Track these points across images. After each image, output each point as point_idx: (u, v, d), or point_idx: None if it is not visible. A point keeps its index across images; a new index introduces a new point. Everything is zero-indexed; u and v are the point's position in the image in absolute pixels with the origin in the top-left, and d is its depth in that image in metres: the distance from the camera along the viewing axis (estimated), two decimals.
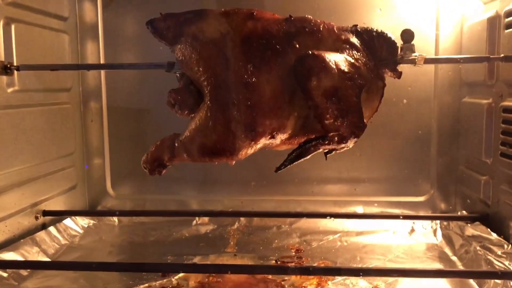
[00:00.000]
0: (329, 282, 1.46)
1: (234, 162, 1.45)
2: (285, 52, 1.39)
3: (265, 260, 1.70)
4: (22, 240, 1.65)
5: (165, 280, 1.51)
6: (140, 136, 2.24)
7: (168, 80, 1.57)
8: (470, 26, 1.86)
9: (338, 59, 1.36)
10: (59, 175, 1.99)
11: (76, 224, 1.98)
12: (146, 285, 1.49)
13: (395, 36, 1.43)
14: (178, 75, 1.53)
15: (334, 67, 1.33)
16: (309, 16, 1.45)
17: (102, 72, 2.19)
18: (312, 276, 1.47)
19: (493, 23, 1.64)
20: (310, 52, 1.35)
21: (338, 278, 1.47)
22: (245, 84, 1.37)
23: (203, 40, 1.42)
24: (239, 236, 1.94)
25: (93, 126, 2.21)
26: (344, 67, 1.35)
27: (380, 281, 1.45)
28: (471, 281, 1.42)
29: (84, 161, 2.19)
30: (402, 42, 1.45)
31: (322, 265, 1.65)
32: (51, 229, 1.83)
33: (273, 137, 1.41)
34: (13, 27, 1.66)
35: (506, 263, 1.43)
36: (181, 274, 1.53)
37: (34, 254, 1.64)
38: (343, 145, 1.38)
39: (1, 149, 1.62)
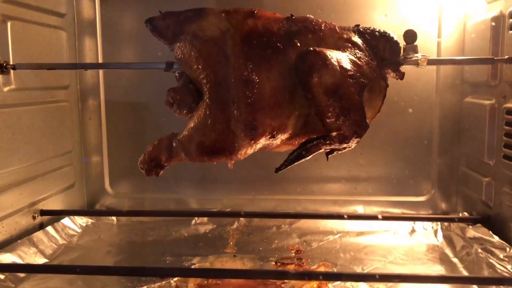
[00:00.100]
0: (330, 285, 1.45)
1: (233, 162, 1.43)
2: (286, 50, 1.37)
3: (265, 261, 1.68)
4: (19, 241, 1.63)
5: (164, 282, 1.49)
6: (139, 134, 2.22)
7: (168, 76, 1.55)
8: (473, 25, 1.84)
9: (340, 57, 1.34)
10: (56, 174, 1.97)
11: (74, 223, 1.96)
12: (145, 287, 1.47)
13: (397, 35, 1.42)
14: (177, 74, 1.51)
15: (336, 64, 1.31)
16: (310, 16, 1.42)
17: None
18: None
19: (497, 23, 1.62)
20: (311, 49, 1.33)
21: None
22: (245, 82, 1.35)
23: (203, 38, 1.40)
24: (238, 236, 1.92)
25: (91, 124, 2.19)
26: (347, 64, 1.33)
27: (380, 283, 1.44)
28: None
29: (82, 160, 2.17)
30: (404, 43, 1.43)
31: (322, 267, 1.64)
32: (49, 228, 1.81)
33: (273, 136, 1.39)
34: (9, 24, 1.63)
35: (509, 267, 1.42)
36: None
37: (31, 255, 1.62)
38: (345, 145, 1.36)
39: None
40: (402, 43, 1.43)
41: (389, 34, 1.42)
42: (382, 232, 1.92)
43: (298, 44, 1.38)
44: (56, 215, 1.89)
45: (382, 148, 2.08)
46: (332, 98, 1.30)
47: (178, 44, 1.44)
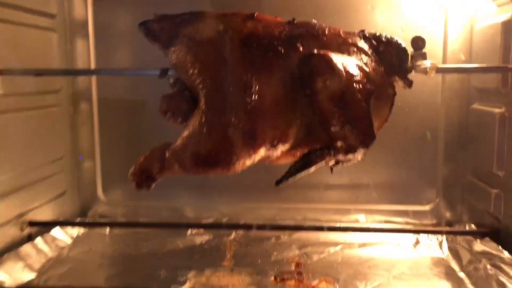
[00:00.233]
0: None
1: (230, 173, 1.35)
2: (287, 54, 1.29)
3: (264, 276, 1.60)
4: (6, 255, 1.54)
5: None
6: (134, 139, 2.13)
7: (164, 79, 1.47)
8: (481, 29, 1.76)
9: (346, 61, 1.26)
10: (47, 182, 1.89)
11: (64, 234, 1.88)
12: None
13: (404, 40, 1.35)
14: (171, 81, 1.44)
15: (342, 68, 1.23)
16: (313, 20, 1.35)
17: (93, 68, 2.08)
18: None
19: (508, 27, 1.54)
20: (315, 52, 1.25)
21: None
22: (244, 87, 1.27)
23: (199, 40, 1.32)
24: (236, 248, 1.84)
25: (83, 128, 2.11)
26: (353, 69, 1.25)
27: None
28: None
29: (74, 167, 2.09)
30: (412, 49, 1.35)
31: (324, 282, 1.56)
32: (38, 240, 1.73)
33: (274, 146, 1.31)
34: None
35: None
36: None
37: (18, 270, 1.53)
38: (350, 156, 1.28)
39: None
40: (409, 49, 1.37)
41: (396, 40, 1.34)
42: (385, 243, 1.85)
43: (301, 48, 1.30)
44: (45, 226, 1.81)
45: (385, 155, 2.01)
46: (337, 105, 1.22)
47: (173, 48, 1.36)
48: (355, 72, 1.25)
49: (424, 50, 1.33)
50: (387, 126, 1.85)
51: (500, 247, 1.55)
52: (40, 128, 1.83)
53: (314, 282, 1.57)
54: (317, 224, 1.99)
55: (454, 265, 1.66)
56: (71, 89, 2.06)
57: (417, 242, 1.85)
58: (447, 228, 1.89)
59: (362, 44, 1.33)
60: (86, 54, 2.05)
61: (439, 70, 1.32)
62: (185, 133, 1.32)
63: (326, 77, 1.22)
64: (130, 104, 2.11)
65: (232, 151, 1.27)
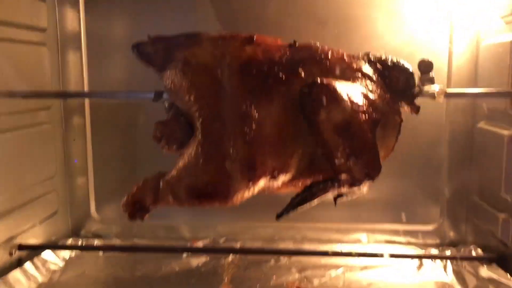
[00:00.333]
0: None
1: (228, 206, 1.29)
2: (288, 81, 1.23)
3: None
4: None
5: None
6: (128, 155, 2.06)
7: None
8: (488, 47, 1.70)
9: (350, 89, 1.20)
10: (37, 203, 1.82)
11: (56, 256, 1.81)
12: None
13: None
14: (166, 104, 1.37)
15: (346, 98, 1.17)
16: (315, 43, 1.28)
17: (86, 83, 2.00)
18: None
19: None
20: (318, 80, 1.18)
21: None
22: (243, 116, 1.20)
23: (195, 65, 1.25)
24: (234, 271, 1.78)
25: (75, 145, 2.03)
26: (358, 98, 1.19)
27: None
28: None
29: (66, 185, 2.02)
30: (419, 73, 1.29)
31: None
32: (28, 265, 1.66)
33: (274, 177, 1.25)
34: None
35: None
36: None
37: None
38: (355, 189, 1.22)
39: None
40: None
41: (403, 64, 1.28)
42: (388, 266, 1.79)
43: (303, 74, 1.24)
44: (35, 250, 1.74)
45: (388, 173, 1.91)
46: (342, 136, 1.16)
47: (168, 72, 1.29)
48: (360, 101, 1.19)
49: (432, 74, 1.27)
50: None
51: (508, 275, 1.50)
52: (30, 147, 1.76)
53: None
54: (317, 243, 1.95)
55: None
56: (63, 104, 1.98)
57: (421, 264, 1.78)
58: (453, 253, 1.82)
59: (367, 69, 1.27)
60: (79, 67, 1.98)
61: (448, 95, 1.26)
62: (181, 163, 1.26)
63: (329, 108, 1.16)
64: (125, 118, 2.03)
65: (230, 183, 1.22)
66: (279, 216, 1.26)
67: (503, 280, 1.49)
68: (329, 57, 1.26)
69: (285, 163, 1.24)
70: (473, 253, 1.74)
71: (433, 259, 1.75)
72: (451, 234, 1.93)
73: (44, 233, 1.87)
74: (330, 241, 1.98)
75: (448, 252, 1.84)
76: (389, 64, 1.28)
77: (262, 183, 1.25)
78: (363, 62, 1.28)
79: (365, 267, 1.78)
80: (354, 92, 1.19)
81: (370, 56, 1.30)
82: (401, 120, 1.27)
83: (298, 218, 1.96)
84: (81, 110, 2.01)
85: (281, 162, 1.24)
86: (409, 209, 1.95)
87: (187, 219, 2.05)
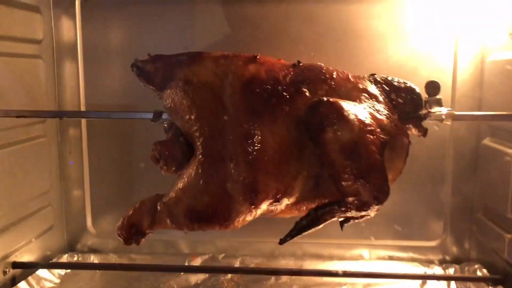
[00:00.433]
0: None
1: (228, 230, 1.25)
2: (293, 100, 1.19)
3: None
4: None
5: None
6: (125, 168, 2.01)
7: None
8: (495, 63, 1.66)
9: (357, 109, 1.16)
10: (33, 218, 1.77)
11: (51, 273, 1.77)
12: None
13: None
14: (165, 125, 1.33)
15: (354, 117, 1.13)
16: (320, 63, 1.25)
17: (82, 95, 1.95)
18: None
19: None
20: (324, 99, 1.15)
21: None
22: (245, 136, 1.17)
23: (197, 84, 1.21)
24: None
25: (71, 157, 1.98)
26: (365, 118, 1.15)
27: None
28: None
29: (61, 199, 1.97)
30: (426, 95, 1.26)
31: None
32: (22, 285, 1.62)
33: (277, 200, 1.22)
34: None
35: None
36: None
37: None
38: (363, 213, 1.18)
39: None
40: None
41: (410, 85, 1.25)
42: (391, 283, 1.76)
43: (307, 94, 1.20)
44: (30, 268, 1.70)
45: (391, 188, 1.90)
46: (349, 158, 1.12)
47: (168, 91, 1.25)
48: (368, 121, 1.15)
49: (440, 95, 1.23)
50: None
51: None
52: (25, 161, 1.72)
53: None
54: (319, 259, 1.92)
55: None
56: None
57: (424, 282, 1.76)
58: (457, 272, 1.79)
59: (373, 89, 1.24)
60: (75, 78, 1.93)
61: (456, 118, 1.22)
62: (180, 185, 1.22)
63: (336, 127, 1.12)
64: (122, 129, 1.99)
65: (231, 206, 1.18)
66: (283, 241, 1.22)
67: None
68: (334, 77, 1.23)
69: (289, 186, 1.21)
70: (479, 273, 1.70)
71: (438, 280, 1.72)
72: (454, 250, 1.90)
73: (39, 249, 1.83)
74: (331, 257, 1.95)
75: (452, 270, 1.82)
76: (396, 85, 1.25)
77: (264, 206, 1.21)
78: (369, 83, 1.25)
79: (368, 285, 1.75)
80: (361, 112, 1.15)
81: (376, 76, 1.26)
82: (409, 142, 1.23)
83: (295, 238, 1.95)
84: (77, 122, 1.97)
85: (284, 184, 1.20)
86: (412, 225, 1.92)
87: (185, 234, 2.00)
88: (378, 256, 1.94)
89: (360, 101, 1.21)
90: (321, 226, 1.20)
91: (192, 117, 1.20)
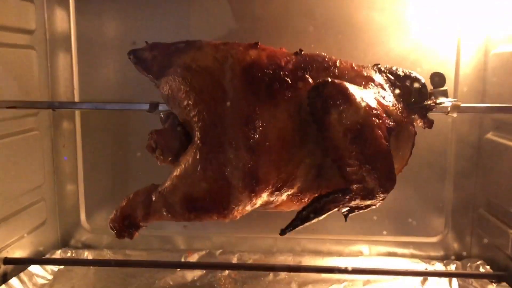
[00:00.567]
0: None
1: (227, 220, 1.20)
2: (295, 85, 1.14)
3: None
4: None
5: None
6: (120, 160, 1.96)
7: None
8: (500, 55, 1.62)
9: (363, 93, 1.11)
10: (25, 213, 1.72)
11: (44, 269, 1.73)
12: None
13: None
14: (162, 116, 1.28)
15: (360, 100, 1.08)
16: (322, 53, 1.21)
17: (76, 87, 1.91)
18: None
19: None
20: (329, 80, 1.10)
21: None
22: (246, 121, 1.12)
23: (196, 69, 1.16)
24: (231, 286, 1.71)
25: (65, 151, 1.94)
26: (371, 102, 1.10)
27: None
28: None
29: (54, 193, 1.93)
30: (431, 86, 1.22)
31: None
32: (13, 281, 1.58)
33: (278, 190, 1.17)
34: None
35: None
36: None
37: None
38: (369, 202, 1.13)
39: None
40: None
41: (415, 75, 1.21)
42: (391, 280, 1.72)
43: (310, 80, 1.16)
44: (22, 264, 1.65)
45: None
46: (354, 141, 1.07)
47: (166, 78, 1.21)
48: (374, 105, 1.10)
49: (446, 87, 1.19)
50: None
51: None
52: (17, 155, 1.67)
53: None
54: (318, 255, 1.88)
55: None
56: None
57: (425, 279, 1.72)
58: (458, 268, 1.75)
59: (378, 78, 1.20)
60: (69, 70, 1.89)
61: (462, 109, 1.18)
62: (176, 172, 1.17)
63: (342, 109, 1.07)
64: (117, 122, 1.94)
65: (230, 193, 1.12)
66: (284, 232, 1.17)
67: None
68: (338, 65, 1.19)
69: (291, 174, 1.15)
70: (481, 270, 1.67)
71: (441, 276, 1.68)
72: (455, 246, 1.87)
73: (32, 244, 1.78)
74: (330, 253, 1.91)
75: (453, 266, 1.78)
76: (400, 74, 1.21)
77: (265, 195, 1.16)
78: (373, 71, 1.21)
79: (368, 282, 1.72)
80: (367, 95, 1.11)
81: (380, 66, 1.23)
82: (415, 133, 1.19)
83: (297, 229, 1.91)
84: (71, 115, 1.92)
85: (286, 172, 1.15)
86: (413, 221, 1.88)
87: (182, 229, 1.97)
88: (378, 252, 1.91)
89: (365, 88, 1.16)
90: (324, 216, 1.15)
91: (191, 102, 1.15)
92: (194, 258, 1.88)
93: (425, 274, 1.67)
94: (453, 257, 1.85)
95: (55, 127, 1.91)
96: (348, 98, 1.08)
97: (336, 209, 1.16)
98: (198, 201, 1.13)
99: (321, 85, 1.11)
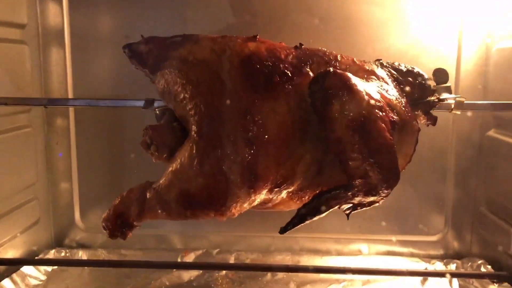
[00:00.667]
0: None
1: (224, 218, 1.16)
2: (295, 79, 1.10)
3: None
4: None
5: None
6: (114, 158, 1.93)
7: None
8: (502, 50, 1.60)
9: (366, 84, 1.08)
10: (18, 212, 1.69)
11: (37, 270, 1.69)
12: None
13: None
14: (157, 112, 1.24)
15: (363, 91, 1.04)
16: (322, 48, 1.17)
17: (69, 82, 1.86)
18: None
19: None
20: (331, 70, 1.06)
21: None
22: (244, 114, 1.07)
23: (192, 61, 1.12)
24: (228, 286, 1.68)
25: (58, 148, 1.90)
26: (374, 94, 1.06)
27: None
28: None
29: (48, 191, 1.89)
30: (434, 82, 1.19)
31: None
32: (6, 282, 1.54)
33: (277, 186, 1.12)
34: None
35: None
36: None
37: None
38: (372, 198, 1.08)
39: None
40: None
41: (418, 70, 1.18)
42: (391, 279, 1.70)
43: (311, 74, 1.12)
44: (14, 265, 1.61)
45: None
46: (357, 134, 1.03)
47: (161, 71, 1.17)
48: (378, 97, 1.06)
49: (449, 83, 1.16)
50: None
51: None
52: (10, 152, 1.63)
53: None
54: (316, 254, 1.86)
55: None
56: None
57: (425, 278, 1.70)
58: (459, 267, 1.73)
59: (380, 72, 1.16)
60: (62, 65, 1.85)
61: (465, 106, 1.15)
62: (172, 167, 1.12)
63: (344, 100, 1.03)
64: (111, 119, 1.91)
65: (228, 189, 1.07)
66: (283, 230, 1.13)
67: None
68: (339, 59, 1.15)
69: (291, 170, 1.11)
70: (483, 269, 1.65)
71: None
72: (456, 245, 1.85)
73: (25, 244, 1.75)
74: (329, 252, 1.89)
75: (453, 266, 1.76)
76: (403, 70, 1.18)
77: (264, 191, 1.12)
78: (375, 66, 1.18)
79: (367, 281, 1.69)
80: (370, 87, 1.07)
81: (382, 61, 1.20)
82: (419, 129, 1.16)
83: (296, 228, 1.88)
84: (65, 112, 1.88)
85: (286, 168, 1.10)
86: (412, 219, 1.86)
87: (178, 228, 1.93)
88: (377, 251, 1.89)
89: (368, 81, 1.13)
90: (325, 213, 1.11)
91: (187, 95, 1.11)
92: (190, 257, 1.85)
93: (427, 274, 1.64)
94: (453, 256, 1.83)
95: (48, 124, 1.87)
96: (350, 88, 1.04)
97: (338, 206, 1.12)
98: (195, 198, 1.08)
99: (322, 75, 1.07)
